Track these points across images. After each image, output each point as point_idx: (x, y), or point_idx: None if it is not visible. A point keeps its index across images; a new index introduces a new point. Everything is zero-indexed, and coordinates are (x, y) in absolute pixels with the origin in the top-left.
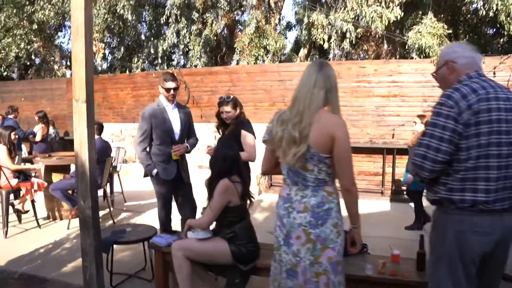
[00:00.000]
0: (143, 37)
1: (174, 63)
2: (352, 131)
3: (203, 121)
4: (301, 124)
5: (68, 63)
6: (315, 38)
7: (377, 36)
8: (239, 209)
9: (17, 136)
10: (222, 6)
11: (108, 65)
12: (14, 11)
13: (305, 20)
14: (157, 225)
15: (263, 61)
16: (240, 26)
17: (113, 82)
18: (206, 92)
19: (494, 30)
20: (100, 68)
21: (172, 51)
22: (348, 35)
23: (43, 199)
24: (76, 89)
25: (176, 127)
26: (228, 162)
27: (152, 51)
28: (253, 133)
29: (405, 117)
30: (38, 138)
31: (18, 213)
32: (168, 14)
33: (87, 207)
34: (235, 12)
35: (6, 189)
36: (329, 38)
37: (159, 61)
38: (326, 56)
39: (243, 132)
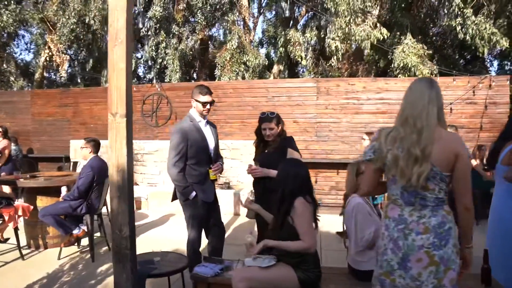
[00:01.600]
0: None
1: (151, 76)
2: (341, 147)
3: None
4: (420, 142)
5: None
6: (293, 55)
7: (347, 55)
8: None
9: None
10: (199, 21)
11: (67, 77)
12: None
13: (282, 37)
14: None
15: (239, 77)
16: (213, 42)
17: (85, 96)
18: (189, 107)
19: (457, 52)
20: (58, 81)
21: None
22: (331, 52)
23: (22, 226)
24: (113, 102)
25: (211, 144)
26: (300, 181)
27: None
28: (298, 151)
29: None
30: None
31: None
32: (148, 27)
33: (123, 237)
34: (209, 28)
35: None
36: (305, 55)
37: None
38: (297, 72)
39: (290, 150)
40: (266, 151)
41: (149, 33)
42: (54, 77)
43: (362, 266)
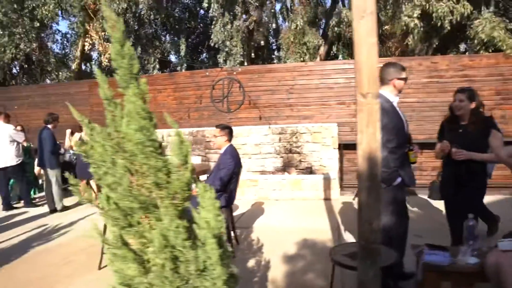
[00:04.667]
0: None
1: (222, 61)
2: (425, 127)
3: (262, 123)
4: None
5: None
6: (349, 35)
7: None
8: None
9: None
10: (252, 1)
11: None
12: (15, 6)
13: (335, 17)
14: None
15: (301, 58)
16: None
17: (148, 83)
18: (264, 91)
19: None
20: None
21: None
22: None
23: None
24: (364, 81)
25: (406, 125)
26: None
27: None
28: (500, 132)
29: None
30: None
31: None
32: (215, 8)
33: (374, 231)
34: (260, 9)
35: None
36: None
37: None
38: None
39: (494, 131)
40: (460, 130)
41: (215, 14)
42: (85, 67)
43: None
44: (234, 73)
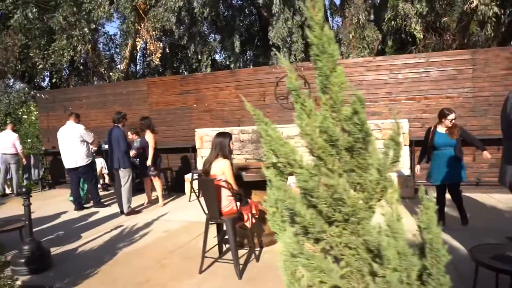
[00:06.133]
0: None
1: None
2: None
3: None
4: None
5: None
6: (409, 28)
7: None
8: None
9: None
10: None
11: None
12: (74, 9)
13: (391, 10)
14: None
15: (362, 54)
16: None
17: (208, 81)
18: None
19: None
20: (143, 71)
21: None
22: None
23: None
24: None
25: None
26: None
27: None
28: None
29: None
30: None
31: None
32: (277, 3)
33: None
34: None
35: (231, 215)
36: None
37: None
38: (408, 47)
39: None
40: None
41: (276, 9)
42: (130, 67)
43: None
44: (302, 69)
